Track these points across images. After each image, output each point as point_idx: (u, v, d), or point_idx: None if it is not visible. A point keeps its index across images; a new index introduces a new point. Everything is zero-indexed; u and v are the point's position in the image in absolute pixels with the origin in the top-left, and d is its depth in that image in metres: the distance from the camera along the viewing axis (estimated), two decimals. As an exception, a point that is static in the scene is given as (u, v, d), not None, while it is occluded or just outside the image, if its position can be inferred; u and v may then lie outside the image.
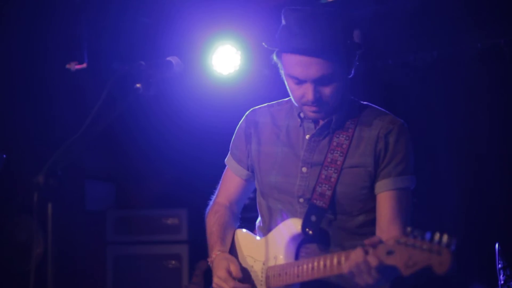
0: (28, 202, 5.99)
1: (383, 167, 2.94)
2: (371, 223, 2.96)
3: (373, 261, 2.45)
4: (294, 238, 2.94)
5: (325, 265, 2.70)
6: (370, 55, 5.91)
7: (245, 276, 3.09)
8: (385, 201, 2.91)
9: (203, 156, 6.10)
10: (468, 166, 5.49)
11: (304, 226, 2.89)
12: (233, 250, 3.18)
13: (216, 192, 3.33)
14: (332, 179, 2.92)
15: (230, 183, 3.29)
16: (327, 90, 2.89)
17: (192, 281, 6.12)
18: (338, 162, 2.92)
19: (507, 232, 5.04)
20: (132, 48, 5.52)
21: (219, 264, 3.03)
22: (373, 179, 2.95)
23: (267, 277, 2.99)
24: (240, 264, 3.09)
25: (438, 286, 5.26)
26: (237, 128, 3.25)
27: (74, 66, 5.29)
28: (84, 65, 5.26)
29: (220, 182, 3.33)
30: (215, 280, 3.02)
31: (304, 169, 3.01)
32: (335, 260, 2.67)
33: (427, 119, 5.74)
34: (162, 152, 6.53)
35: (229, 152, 3.28)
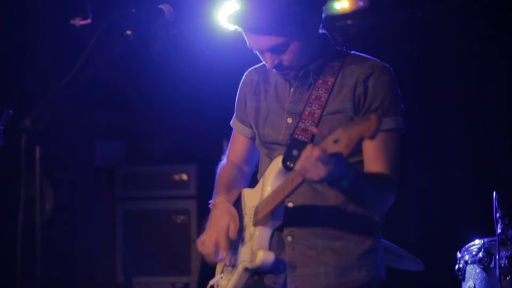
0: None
1: (364, 112, 2.94)
2: (357, 165, 2.94)
3: (315, 151, 2.51)
4: (278, 174, 2.99)
5: (292, 178, 2.77)
6: (377, 10, 5.86)
7: (239, 230, 3.12)
8: (369, 143, 2.89)
9: (212, 112, 6.09)
10: (472, 118, 5.45)
11: (285, 160, 2.91)
12: (237, 208, 3.19)
13: (226, 152, 3.39)
14: (309, 132, 2.95)
15: (237, 144, 3.35)
16: (285, 56, 2.94)
17: (200, 235, 6.11)
18: (316, 115, 2.95)
19: (505, 180, 5.02)
20: (137, 3, 5.49)
21: (222, 216, 3.07)
22: None
23: (255, 214, 3.05)
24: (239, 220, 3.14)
25: (437, 239, 5.30)
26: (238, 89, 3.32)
27: (79, 22, 5.29)
28: (89, 21, 5.25)
29: (229, 143, 3.39)
30: (213, 232, 3.05)
31: (289, 120, 3.05)
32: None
33: (435, 75, 5.70)
34: (171, 109, 6.54)
35: (234, 113, 3.34)
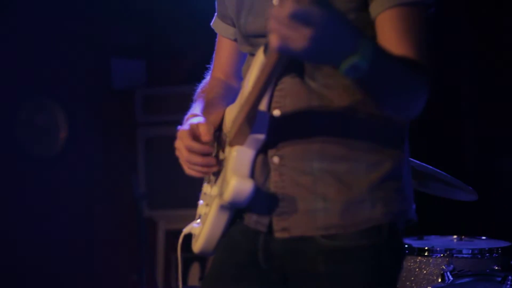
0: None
1: None
2: None
3: (286, 4, 1.79)
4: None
5: (268, 58, 2.03)
6: None
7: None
8: (386, 23, 2.11)
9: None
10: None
11: (267, 48, 2.15)
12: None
13: (210, 67, 2.72)
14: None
15: (221, 52, 2.66)
16: None
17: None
18: None
19: None
20: None
21: (186, 124, 2.43)
22: None
23: (231, 129, 2.31)
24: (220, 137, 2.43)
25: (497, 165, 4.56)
26: None
27: None
28: None
29: (213, 55, 2.71)
30: (176, 143, 2.43)
31: (275, 1, 2.17)
32: None
33: None
34: (196, 24, 5.80)
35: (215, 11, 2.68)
